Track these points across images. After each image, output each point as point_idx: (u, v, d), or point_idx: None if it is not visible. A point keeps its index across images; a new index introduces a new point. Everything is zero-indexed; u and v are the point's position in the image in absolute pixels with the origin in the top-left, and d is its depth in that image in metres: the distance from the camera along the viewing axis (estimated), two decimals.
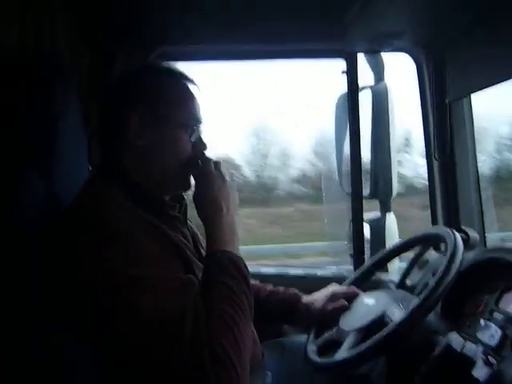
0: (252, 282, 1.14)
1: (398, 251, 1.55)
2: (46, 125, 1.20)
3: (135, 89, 1.20)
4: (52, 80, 1.22)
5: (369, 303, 1.35)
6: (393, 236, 2.03)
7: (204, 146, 1.25)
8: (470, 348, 0.87)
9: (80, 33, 1.57)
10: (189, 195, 1.27)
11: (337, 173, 2.09)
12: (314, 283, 1.62)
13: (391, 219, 2.05)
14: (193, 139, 1.22)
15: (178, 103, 1.21)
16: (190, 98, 1.23)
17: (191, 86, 1.24)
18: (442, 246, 1.83)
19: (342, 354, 1.21)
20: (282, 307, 1.50)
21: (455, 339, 0.88)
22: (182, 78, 1.24)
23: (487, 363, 0.89)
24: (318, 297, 1.49)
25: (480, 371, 0.87)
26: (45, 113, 1.20)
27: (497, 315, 1.29)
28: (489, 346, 1.19)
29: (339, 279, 1.60)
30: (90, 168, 1.44)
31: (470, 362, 0.86)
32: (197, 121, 1.23)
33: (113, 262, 0.99)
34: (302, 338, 1.47)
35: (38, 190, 1.14)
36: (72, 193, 1.14)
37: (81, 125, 1.35)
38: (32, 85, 1.18)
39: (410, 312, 1.14)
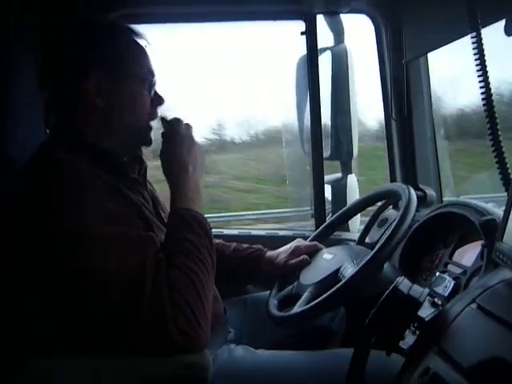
0: (216, 240, 1.16)
1: (357, 208, 1.59)
2: None
3: (89, 48, 1.18)
4: (3, 41, 1.19)
5: (327, 258, 1.38)
6: (354, 197, 2.06)
7: (161, 100, 1.25)
8: (417, 290, 0.90)
9: None
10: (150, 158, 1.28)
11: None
12: (276, 244, 1.64)
13: (352, 180, 2.08)
14: (151, 94, 1.22)
15: (134, 58, 1.21)
16: (143, 52, 1.23)
17: (141, 41, 1.24)
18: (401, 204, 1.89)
19: (299, 307, 1.25)
20: (247, 263, 1.53)
21: (403, 282, 0.91)
22: (131, 33, 1.23)
23: (433, 305, 0.94)
24: (281, 251, 1.52)
25: (426, 311, 0.91)
26: None
27: (451, 268, 1.35)
28: (442, 295, 1.25)
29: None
30: (48, 131, 1.42)
31: (416, 303, 0.89)
32: (152, 74, 1.23)
33: (72, 222, 1.00)
34: (265, 295, 1.49)
35: None
36: (26, 153, 1.13)
37: (35, 87, 1.33)
38: None
39: (361, 267, 1.18)
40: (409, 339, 0.92)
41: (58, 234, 1.00)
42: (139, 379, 1.01)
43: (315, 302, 1.20)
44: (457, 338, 0.83)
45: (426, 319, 0.90)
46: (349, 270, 1.25)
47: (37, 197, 1.03)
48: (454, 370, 0.76)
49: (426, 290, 0.92)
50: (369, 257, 1.18)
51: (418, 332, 0.92)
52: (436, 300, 0.95)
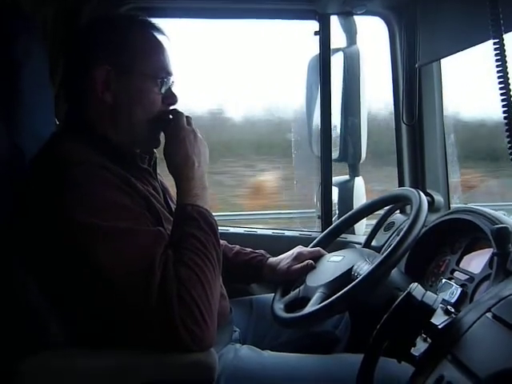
0: (220, 241, 1.15)
1: (365, 212, 1.58)
2: (9, 76, 1.17)
3: (101, 41, 1.17)
4: (15, 31, 1.19)
5: (335, 260, 1.37)
6: (361, 199, 2.06)
7: (175, 99, 1.23)
8: (431, 297, 0.90)
9: None
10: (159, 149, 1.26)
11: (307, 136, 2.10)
12: (282, 243, 1.63)
13: (359, 182, 2.08)
14: (163, 91, 1.20)
15: (146, 54, 1.18)
16: (158, 48, 1.20)
17: (160, 37, 1.21)
18: (408, 209, 1.88)
19: (310, 308, 1.23)
20: (247, 268, 1.52)
21: (416, 288, 0.91)
22: (149, 28, 1.21)
23: (447, 312, 0.93)
24: (284, 257, 1.50)
25: (439, 319, 0.90)
26: (8, 64, 1.17)
27: (457, 274, 1.34)
28: (449, 302, 1.24)
29: (307, 240, 1.62)
30: (57, 122, 1.41)
31: (429, 310, 0.88)
32: (166, 72, 1.20)
33: (81, 213, 0.99)
34: (270, 296, 1.48)
35: (1, 139, 1.11)
36: (38, 144, 1.13)
37: (47, 78, 1.32)
38: None
39: (375, 266, 1.17)
40: (420, 346, 0.91)
41: (67, 225, 0.99)
42: (144, 378, 1.01)
43: (332, 298, 1.18)
44: (472, 348, 0.82)
45: (440, 327, 0.90)
46: (364, 268, 1.24)
47: (44, 188, 1.03)
48: (470, 379, 0.75)
49: (440, 298, 0.91)
50: (381, 258, 1.17)
51: (429, 339, 0.91)
52: (449, 308, 0.94)
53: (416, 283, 0.93)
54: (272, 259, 1.52)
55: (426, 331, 0.91)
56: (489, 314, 0.85)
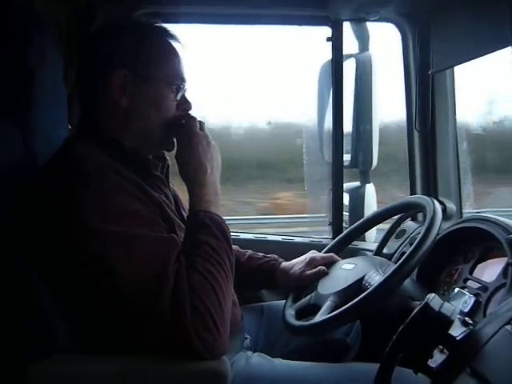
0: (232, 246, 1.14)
1: (377, 219, 1.56)
2: (23, 79, 1.16)
3: (118, 46, 1.17)
4: (30, 33, 1.18)
5: (347, 268, 1.36)
6: (371, 206, 2.05)
7: (189, 106, 1.22)
8: (448, 308, 0.89)
9: None
10: (171, 156, 1.26)
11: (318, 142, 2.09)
12: (292, 250, 1.62)
13: (370, 189, 2.07)
14: (178, 98, 1.20)
15: (161, 60, 1.18)
16: (174, 55, 1.20)
17: (175, 44, 1.21)
18: (420, 217, 1.87)
19: (320, 317, 1.22)
20: (260, 273, 1.51)
21: (434, 299, 0.90)
22: (165, 35, 1.21)
23: (464, 323, 0.92)
24: (297, 262, 1.49)
25: (457, 330, 0.89)
26: (23, 67, 1.16)
27: (470, 283, 1.33)
28: (462, 311, 1.23)
29: (318, 247, 1.60)
30: (70, 126, 1.41)
31: (447, 321, 0.88)
32: (181, 79, 1.20)
33: (94, 218, 0.98)
34: (281, 303, 1.47)
35: (15, 142, 1.11)
36: (50, 149, 1.12)
37: (60, 81, 1.32)
38: (8, 37, 1.14)
39: (387, 277, 1.15)
40: (437, 358, 0.90)
41: (80, 229, 0.98)
42: None
43: (341, 309, 1.16)
44: (492, 361, 0.81)
45: (458, 338, 0.89)
46: (376, 278, 1.22)
47: (58, 191, 1.02)
48: None
49: (457, 309, 0.90)
50: (394, 267, 1.15)
51: (446, 351, 0.90)
52: (467, 319, 0.93)
53: (433, 294, 0.92)
54: (285, 263, 1.51)
55: (443, 342, 0.90)
56: (508, 327, 0.84)
